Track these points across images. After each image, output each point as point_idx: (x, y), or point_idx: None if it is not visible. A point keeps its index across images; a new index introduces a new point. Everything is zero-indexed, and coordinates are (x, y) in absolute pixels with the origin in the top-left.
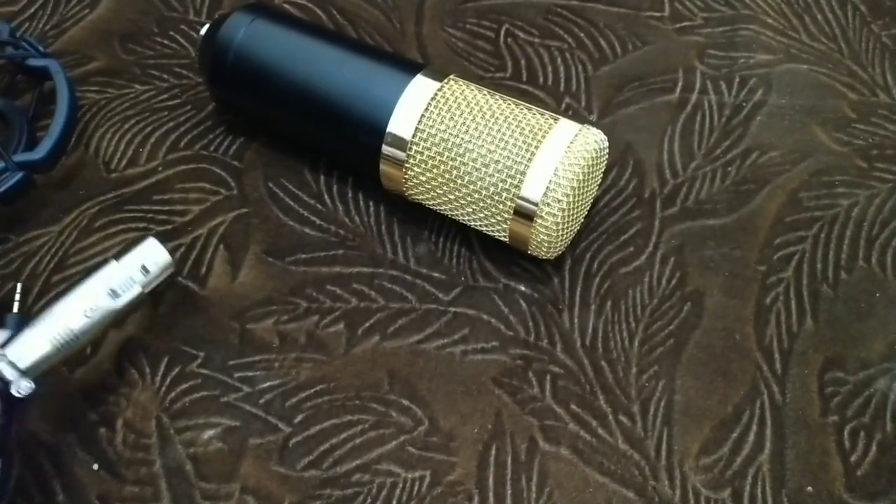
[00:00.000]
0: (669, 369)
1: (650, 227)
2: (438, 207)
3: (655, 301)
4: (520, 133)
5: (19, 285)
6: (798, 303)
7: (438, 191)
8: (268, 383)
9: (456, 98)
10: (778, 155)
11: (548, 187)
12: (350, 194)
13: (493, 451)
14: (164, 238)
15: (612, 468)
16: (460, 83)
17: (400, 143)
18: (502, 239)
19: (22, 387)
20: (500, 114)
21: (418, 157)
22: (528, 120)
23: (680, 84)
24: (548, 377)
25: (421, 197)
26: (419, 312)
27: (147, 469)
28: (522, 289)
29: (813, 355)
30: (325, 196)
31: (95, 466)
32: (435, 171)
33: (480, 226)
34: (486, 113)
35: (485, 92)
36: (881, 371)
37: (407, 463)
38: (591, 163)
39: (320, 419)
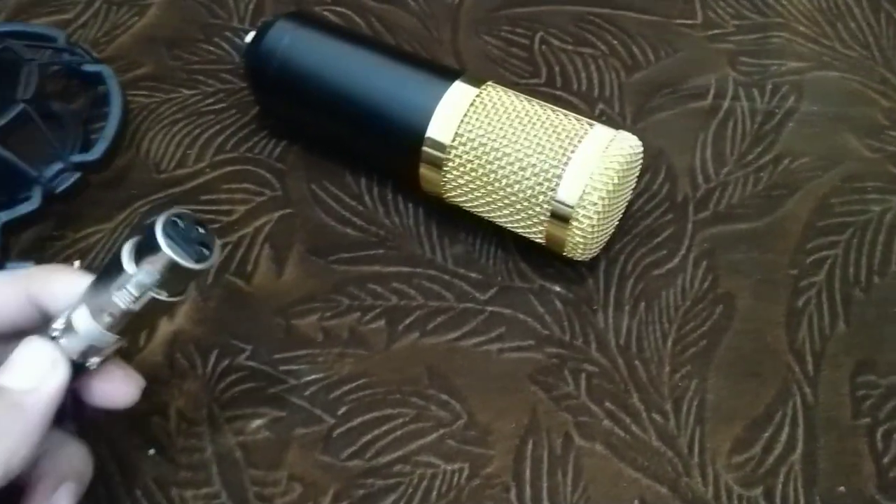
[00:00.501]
0: (702, 369)
1: (683, 231)
2: (476, 210)
3: (688, 303)
4: (556, 138)
5: (77, 262)
6: (830, 306)
7: (476, 193)
8: (312, 376)
9: (494, 103)
10: (809, 161)
11: (584, 191)
12: (389, 196)
13: (530, 446)
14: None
15: (645, 464)
16: (498, 89)
17: (439, 147)
18: (538, 241)
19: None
20: (537, 119)
21: (457, 160)
22: (565, 125)
23: (712, 91)
24: (583, 375)
25: (459, 199)
26: (456, 311)
27: (199, 455)
28: (558, 289)
29: (845, 358)
30: (366, 197)
31: (151, 451)
32: (473, 174)
33: (517, 228)
34: (523, 118)
35: (522, 98)
36: None
37: (446, 455)
38: (625, 167)
39: (362, 411)
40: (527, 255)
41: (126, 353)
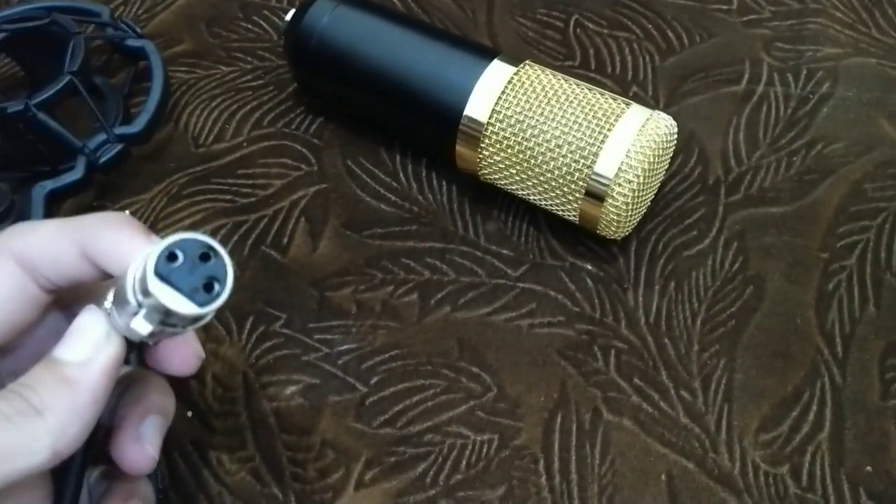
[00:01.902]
0: (730, 349)
1: (714, 213)
2: (511, 187)
3: (718, 283)
4: (593, 116)
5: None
6: (861, 290)
7: (511, 170)
8: (345, 346)
9: (532, 82)
10: (842, 146)
11: (619, 168)
12: (424, 173)
13: (559, 419)
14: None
15: (673, 440)
16: (535, 68)
17: (476, 124)
18: (572, 219)
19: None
20: (574, 97)
21: (493, 137)
22: (601, 104)
23: (746, 75)
24: (612, 352)
25: (494, 177)
26: (488, 286)
27: (234, 420)
28: (589, 267)
29: (874, 341)
30: (401, 174)
31: (189, 414)
32: (509, 150)
33: (551, 206)
34: (560, 96)
35: (559, 76)
36: None
37: (476, 426)
38: (661, 146)
39: (394, 382)
40: (558, 234)
41: None
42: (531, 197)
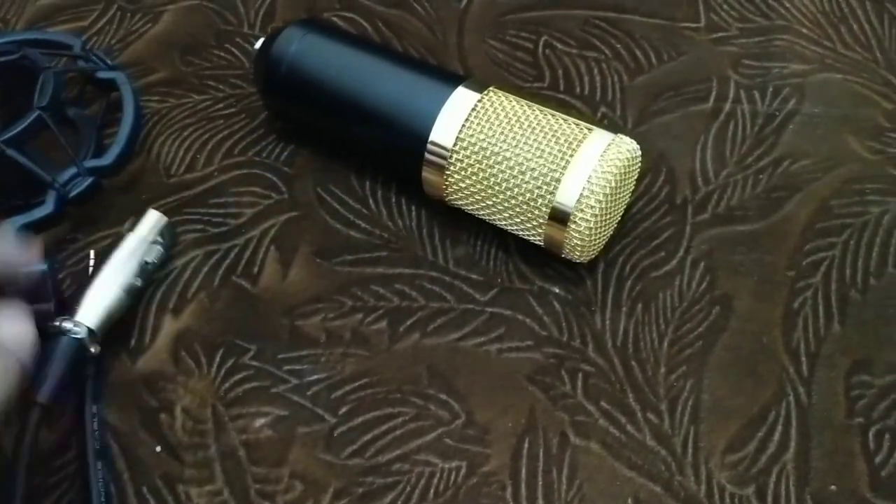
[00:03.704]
0: (697, 369)
1: (681, 233)
2: (477, 212)
3: (685, 304)
4: (555, 142)
5: (92, 252)
6: (826, 307)
7: (477, 196)
8: (315, 376)
9: (495, 109)
10: (810, 163)
11: (581, 194)
12: (393, 199)
13: (526, 445)
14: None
15: (639, 463)
16: (499, 94)
17: (441, 151)
18: (538, 243)
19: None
20: (537, 124)
21: (458, 164)
22: (564, 130)
23: (714, 93)
24: (579, 375)
25: (461, 202)
26: (457, 312)
27: (203, 453)
28: (556, 290)
29: (840, 358)
30: (370, 200)
31: (158, 448)
32: (474, 177)
33: (517, 230)
34: (523, 123)
35: (523, 103)
36: None
37: (444, 454)
38: (623, 171)
39: (363, 411)
40: (527, 257)
41: (133, 351)
42: (498, 222)
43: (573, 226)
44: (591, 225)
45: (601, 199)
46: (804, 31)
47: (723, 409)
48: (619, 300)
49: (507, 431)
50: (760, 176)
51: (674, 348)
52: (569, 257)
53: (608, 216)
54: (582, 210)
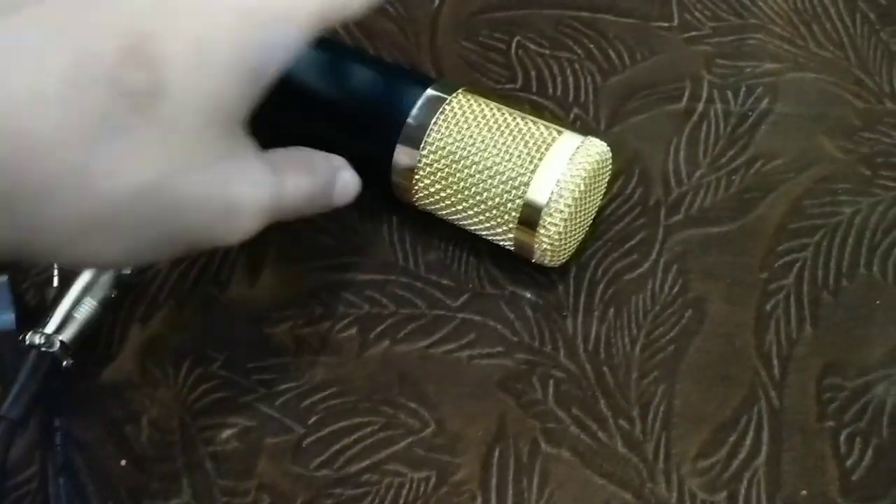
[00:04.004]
0: (669, 374)
1: (654, 235)
2: (447, 217)
3: (658, 307)
4: (524, 145)
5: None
6: (798, 309)
7: (447, 201)
8: (283, 385)
9: (464, 112)
10: (782, 163)
11: (550, 198)
12: (363, 203)
13: (497, 453)
14: None
15: (611, 470)
16: (468, 97)
17: (410, 155)
18: (509, 248)
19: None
20: (506, 127)
21: (427, 168)
22: (533, 132)
23: (687, 93)
24: (551, 381)
25: (431, 207)
26: (428, 318)
27: (170, 465)
28: (528, 296)
29: (811, 361)
30: None
31: (123, 462)
32: (443, 182)
33: (488, 235)
34: (491, 126)
35: (492, 105)
36: (879, 377)
37: (414, 463)
38: (593, 173)
39: (333, 420)
40: (498, 262)
41: (98, 360)
42: (468, 226)
43: (542, 230)
44: (561, 229)
45: (570, 202)
46: (777, 29)
47: (694, 415)
48: (591, 304)
49: (477, 439)
50: (733, 177)
51: (646, 353)
52: (539, 262)
53: (578, 220)
54: (551, 214)
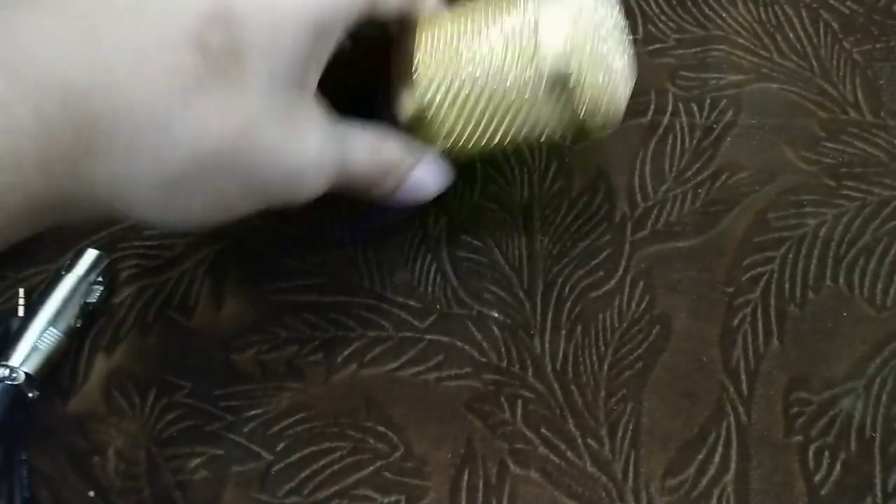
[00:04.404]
0: (637, 392)
1: (620, 251)
2: (478, 143)
3: (625, 325)
4: (511, 33)
5: (21, 290)
6: (765, 323)
7: (471, 127)
8: (251, 412)
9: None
10: (747, 175)
11: (568, 49)
12: (328, 224)
13: (466, 476)
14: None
15: (579, 490)
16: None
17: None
18: (554, 136)
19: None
20: (483, 26)
21: (438, 115)
22: (512, 22)
23: (652, 106)
24: (519, 402)
25: (462, 142)
26: (395, 340)
27: (137, 496)
28: (495, 315)
29: (778, 375)
30: (303, 226)
31: (91, 493)
32: (460, 113)
33: (529, 134)
34: (473, 30)
35: (453, 18)
36: (846, 390)
37: (382, 488)
38: (596, 11)
39: (300, 447)
40: (465, 282)
41: (64, 391)
42: (505, 139)
43: (577, 89)
44: (599, 79)
45: (587, 48)
46: (740, 40)
47: (663, 432)
48: (558, 323)
49: (445, 462)
50: (699, 190)
51: (613, 371)
52: (593, 126)
53: (606, 63)
54: (577, 68)
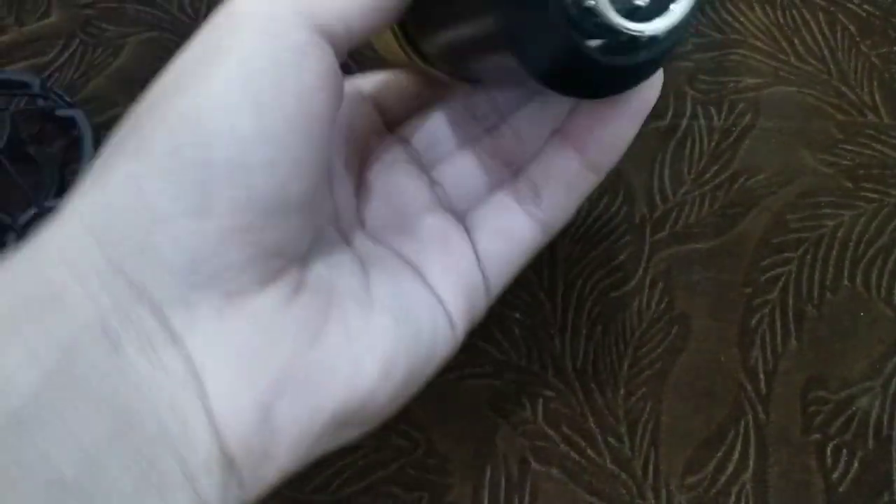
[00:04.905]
0: (656, 391)
1: (640, 252)
2: None
3: (644, 325)
4: None
5: None
6: (783, 324)
7: None
8: None
9: None
10: (765, 178)
11: None
12: None
13: (488, 472)
14: None
15: (600, 487)
16: None
17: None
18: None
19: None
20: None
21: None
22: None
23: (671, 110)
24: (539, 400)
25: None
26: None
27: None
28: (517, 316)
29: (796, 375)
30: None
31: None
32: None
33: None
34: None
35: None
36: (863, 389)
37: (407, 485)
38: None
39: None
40: None
41: None
42: None
43: None
44: None
45: None
46: (758, 44)
47: (682, 431)
48: (578, 323)
49: (468, 460)
50: (717, 193)
51: (633, 370)
52: None
53: None
54: None
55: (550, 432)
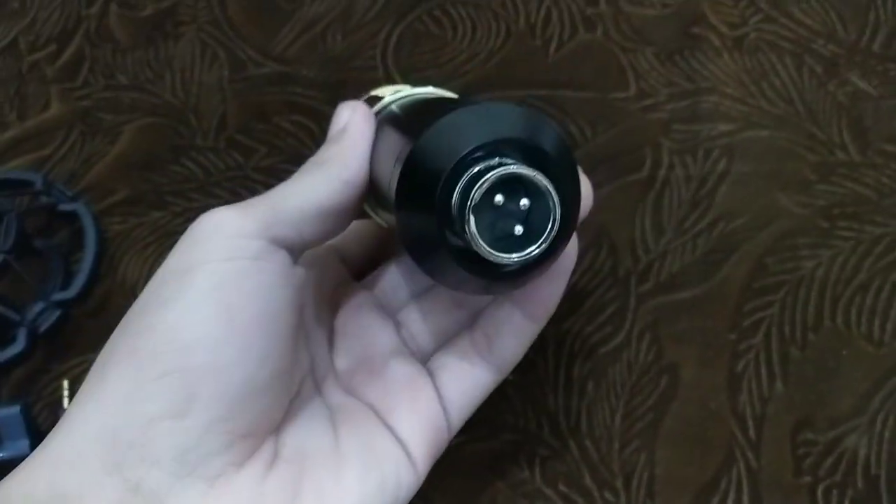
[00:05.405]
0: (649, 442)
1: (626, 305)
2: None
3: (634, 377)
4: None
5: (66, 381)
6: (768, 367)
7: None
8: None
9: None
10: (743, 222)
11: None
12: None
13: None
14: None
15: None
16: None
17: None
18: None
19: None
20: None
21: None
22: None
23: (648, 161)
24: (536, 459)
25: None
26: None
27: None
28: (510, 378)
29: (785, 418)
30: None
31: None
32: None
33: None
34: None
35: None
36: (850, 428)
37: None
38: None
39: None
40: None
41: None
42: None
43: None
44: None
45: None
46: (728, 90)
47: (676, 480)
48: (570, 379)
49: None
50: (698, 240)
51: (626, 423)
52: None
53: None
54: None
55: (548, 491)
